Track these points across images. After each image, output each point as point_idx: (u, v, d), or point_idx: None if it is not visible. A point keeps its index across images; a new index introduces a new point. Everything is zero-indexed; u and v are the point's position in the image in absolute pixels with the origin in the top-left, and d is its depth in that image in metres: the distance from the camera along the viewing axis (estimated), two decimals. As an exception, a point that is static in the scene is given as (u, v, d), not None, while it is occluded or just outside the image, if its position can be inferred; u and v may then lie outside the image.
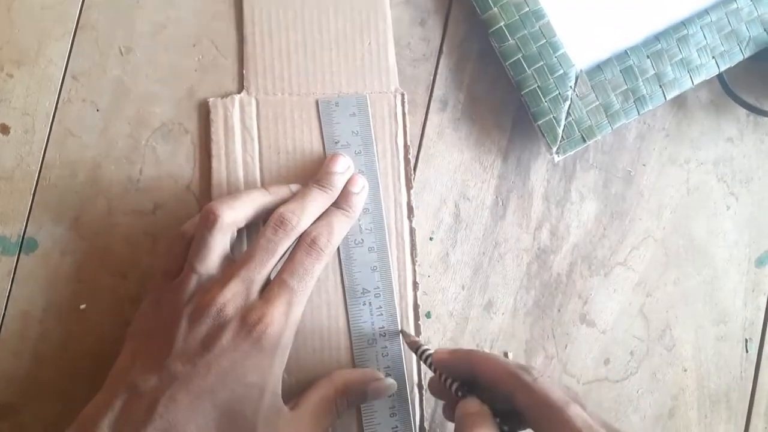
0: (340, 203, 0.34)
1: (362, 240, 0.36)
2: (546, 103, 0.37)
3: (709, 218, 0.40)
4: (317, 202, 0.33)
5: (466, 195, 0.38)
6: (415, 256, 0.36)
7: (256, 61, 0.37)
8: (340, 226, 0.34)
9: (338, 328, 0.35)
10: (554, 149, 0.37)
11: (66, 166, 0.36)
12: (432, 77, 0.38)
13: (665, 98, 0.37)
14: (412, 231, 0.37)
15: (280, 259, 0.32)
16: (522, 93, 0.37)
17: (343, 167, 0.35)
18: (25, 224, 0.35)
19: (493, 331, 0.38)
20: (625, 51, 0.37)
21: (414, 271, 0.36)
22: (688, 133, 0.40)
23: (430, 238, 0.38)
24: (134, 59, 0.37)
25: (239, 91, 0.37)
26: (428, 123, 0.38)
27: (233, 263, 0.32)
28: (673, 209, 0.40)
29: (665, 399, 0.39)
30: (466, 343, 0.37)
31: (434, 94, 0.38)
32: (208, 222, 0.31)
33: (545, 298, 0.38)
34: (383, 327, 0.36)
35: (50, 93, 0.36)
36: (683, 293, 0.39)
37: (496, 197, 0.38)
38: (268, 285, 0.32)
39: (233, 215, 0.32)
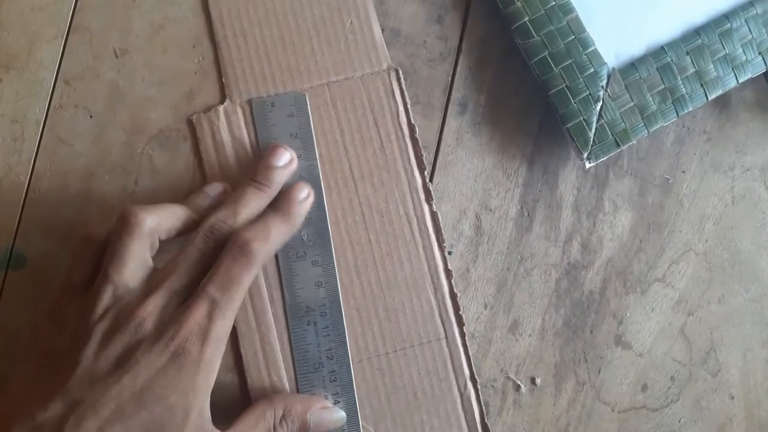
0: (279, 209, 0.31)
1: (305, 253, 0.33)
2: (575, 105, 0.34)
3: (757, 230, 0.36)
4: (252, 204, 0.30)
5: (488, 205, 0.35)
6: (443, 242, 0.34)
7: (234, 65, 0.34)
8: (278, 233, 0.30)
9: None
10: (585, 155, 0.34)
11: (57, 177, 0.34)
12: (450, 78, 0.36)
13: (707, 98, 0.34)
14: (434, 215, 0.34)
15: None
16: (549, 94, 0.34)
17: (283, 160, 0.32)
18: (13, 238, 0.33)
19: (519, 354, 0.35)
20: (662, 47, 0.34)
21: (444, 258, 0.34)
22: (733, 137, 0.37)
23: (449, 252, 0.35)
24: (130, 62, 0.34)
25: (222, 102, 0.34)
26: (446, 128, 0.35)
27: (155, 273, 0.29)
28: (716, 220, 0.36)
29: (710, 429, 0.35)
30: (489, 368, 0.34)
31: (452, 97, 0.36)
32: (128, 226, 0.28)
33: (576, 318, 0.35)
34: (330, 349, 0.33)
35: (41, 98, 0.34)
36: (729, 312, 0.36)
37: (521, 207, 0.35)
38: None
39: (155, 221, 0.29)
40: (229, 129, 0.34)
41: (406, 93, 0.35)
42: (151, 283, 0.28)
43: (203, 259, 0.29)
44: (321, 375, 0.32)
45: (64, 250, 0.33)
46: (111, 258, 0.28)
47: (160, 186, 0.34)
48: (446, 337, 0.33)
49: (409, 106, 0.34)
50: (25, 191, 0.34)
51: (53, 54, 0.34)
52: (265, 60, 0.34)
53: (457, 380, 0.33)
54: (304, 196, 0.32)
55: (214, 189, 0.32)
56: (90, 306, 0.28)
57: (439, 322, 0.33)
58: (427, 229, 0.34)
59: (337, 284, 0.33)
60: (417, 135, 0.34)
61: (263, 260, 0.29)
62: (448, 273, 0.34)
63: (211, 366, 0.28)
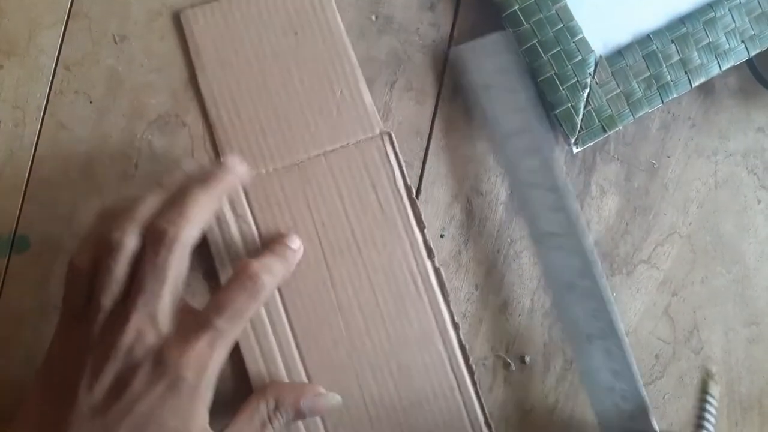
0: (276, 249, 0.32)
1: (536, 182, 0.34)
2: (564, 91, 0.34)
3: (739, 213, 0.37)
4: (199, 202, 0.28)
5: (478, 189, 0.36)
6: (447, 296, 0.34)
7: (230, 143, 0.34)
8: (279, 272, 0.31)
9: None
10: (573, 140, 0.34)
11: (58, 161, 0.34)
12: (442, 65, 0.36)
13: (691, 85, 0.35)
14: (437, 271, 0.35)
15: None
16: (538, 81, 0.35)
17: (233, 163, 0.31)
18: (15, 222, 0.34)
19: (508, 333, 0.36)
20: (648, 35, 0.35)
21: (450, 311, 0.34)
22: (716, 123, 0.38)
23: (441, 236, 0.36)
24: (128, 48, 0.35)
25: None
26: (438, 113, 0.36)
27: (130, 293, 0.28)
28: (699, 203, 0.37)
29: (693, 405, 0.36)
30: (480, 347, 0.35)
31: (444, 83, 0.36)
32: (110, 250, 0.27)
33: (564, 299, 0.36)
34: (581, 268, 0.34)
35: (41, 84, 0.34)
36: (711, 293, 0.37)
37: (511, 192, 0.36)
38: (187, 314, 0.28)
39: (135, 237, 0.27)
40: (232, 208, 0.34)
41: (400, 155, 0.35)
42: (127, 305, 0.27)
43: (160, 274, 0.27)
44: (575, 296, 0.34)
45: (66, 233, 0.34)
46: (99, 283, 0.28)
47: (159, 171, 0.34)
48: (458, 387, 0.34)
49: (404, 168, 0.35)
50: (27, 176, 0.34)
51: (53, 40, 0.35)
52: (261, 134, 0.34)
53: (472, 427, 0.34)
54: (297, 246, 0.33)
55: (190, 164, 0.32)
56: (82, 335, 0.28)
57: (451, 374, 0.34)
58: (432, 286, 0.34)
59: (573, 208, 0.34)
60: (414, 196, 0.35)
61: (269, 294, 0.30)
62: (456, 325, 0.34)
63: (208, 389, 0.28)
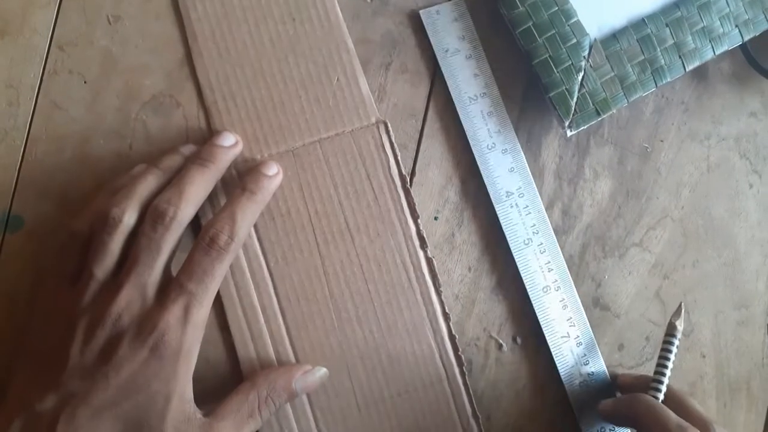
0: (247, 184, 0.32)
1: (494, 144, 0.36)
2: (558, 74, 0.34)
3: (731, 197, 0.38)
4: (196, 182, 0.31)
5: (473, 172, 0.36)
6: (439, 287, 0.35)
7: (225, 128, 0.34)
8: (245, 215, 0.31)
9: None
10: (567, 123, 0.35)
11: (53, 141, 0.34)
12: (437, 47, 0.36)
13: (685, 69, 0.35)
14: (429, 261, 0.35)
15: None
16: (533, 63, 0.35)
17: (228, 141, 0.33)
18: (10, 201, 0.34)
19: (501, 314, 0.36)
20: (643, 19, 0.35)
21: (441, 302, 0.35)
22: (709, 108, 0.38)
23: (435, 218, 0.36)
24: (123, 28, 0.35)
25: None
26: (433, 95, 0.36)
27: (124, 265, 0.29)
28: (692, 187, 0.38)
29: (682, 386, 0.37)
30: (473, 327, 0.36)
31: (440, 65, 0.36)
32: (106, 225, 0.29)
33: (556, 281, 0.36)
34: (534, 225, 0.35)
35: (35, 64, 0.34)
36: (702, 276, 0.37)
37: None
38: (168, 282, 0.29)
39: (133, 213, 0.30)
40: (226, 193, 0.34)
41: (395, 144, 0.35)
42: (120, 277, 0.29)
43: (156, 247, 0.29)
44: (532, 249, 0.36)
45: (60, 212, 0.34)
46: (94, 254, 0.29)
47: (154, 151, 0.34)
48: (447, 378, 0.34)
49: (399, 157, 0.35)
50: (21, 155, 0.34)
51: (47, 20, 0.34)
52: (256, 121, 0.34)
53: (460, 418, 0.34)
54: (273, 173, 0.33)
55: (188, 148, 0.33)
56: (75, 302, 0.29)
57: (440, 364, 0.34)
58: (424, 276, 0.35)
59: (526, 169, 0.36)
60: (409, 185, 0.35)
61: (234, 248, 0.30)
62: (446, 316, 0.35)
63: (190, 353, 0.29)
